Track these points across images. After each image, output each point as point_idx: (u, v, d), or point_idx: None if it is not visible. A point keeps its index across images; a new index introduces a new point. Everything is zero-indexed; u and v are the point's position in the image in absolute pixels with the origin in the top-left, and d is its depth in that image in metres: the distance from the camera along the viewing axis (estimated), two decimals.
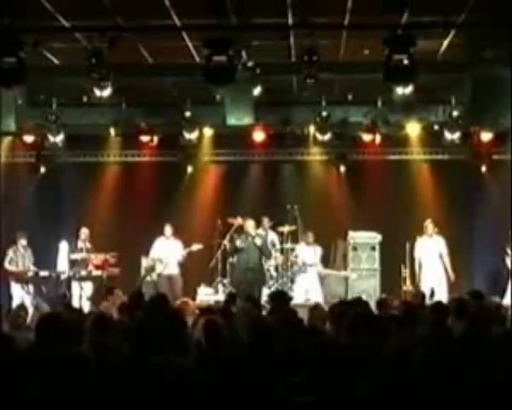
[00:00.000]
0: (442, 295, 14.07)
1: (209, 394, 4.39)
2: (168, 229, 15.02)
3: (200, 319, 7.06)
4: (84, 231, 14.98)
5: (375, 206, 15.56)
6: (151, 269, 14.65)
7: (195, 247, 14.84)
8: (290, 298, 10.18)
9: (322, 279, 15.22)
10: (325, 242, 15.45)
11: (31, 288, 14.32)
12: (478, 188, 15.91)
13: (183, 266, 15.04)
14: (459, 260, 15.09)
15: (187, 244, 14.92)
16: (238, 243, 13.93)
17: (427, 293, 14.44)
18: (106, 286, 12.33)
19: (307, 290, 14.78)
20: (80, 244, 14.90)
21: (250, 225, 14.04)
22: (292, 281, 15.00)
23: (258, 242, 13.82)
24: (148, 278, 15.11)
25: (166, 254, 14.94)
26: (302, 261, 15.02)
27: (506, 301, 13.36)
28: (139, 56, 13.39)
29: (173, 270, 14.95)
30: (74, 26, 11.83)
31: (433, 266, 14.63)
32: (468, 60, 13.46)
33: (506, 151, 15.46)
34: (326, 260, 15.60)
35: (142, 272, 15.16)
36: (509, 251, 14.51)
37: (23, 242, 14.67)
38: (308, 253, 15.07)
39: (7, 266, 14.60)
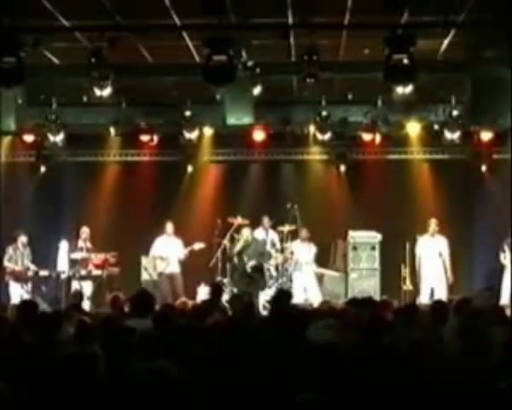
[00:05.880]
0: (442, 295, 14.07)
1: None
2: (170, 227, 15.00)
3: None
4: (85, 230, 14.95)
5: (375, 205, 15.53)
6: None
7: (198, 245, 14.83)
8: (290, 297, 10.17)
9: (321, 278, 15.21)
10: (325, 241, 15.45)
11: (29, 287, 14.33)
12: (478, 188, 15.89)
13: (183, 265, 15.06)
14: (459, 260, 15.07)
15: (188, 244, 14.93)
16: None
17: (427, 292, 14.54)
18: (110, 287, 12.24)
19: (305, 289, 14.76)
20: (81, 243, 14.88)
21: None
22: (291, 280, 14.97)
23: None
24: (148, 277, 15.12)
25: (168, 252, 14.94)
26: (296, 259, 14.99)
27: (503, 300, 13.40)
28: (139, 56, 13.40)
29: (174, 268, 14.96)
30: (74, 26, 11.86)
31: (433, 265, 14.62)
32: (468, 60, 13.48)
33: (506, 151, 15.44)
34: (326, 260, 15.58)
35: (143, 272, 15.14)
36: (505, 247, 14.48)
37: (23, 239, 14.64)
38: (303, 250, 15.01)
39: (6, 263, 14.59)
